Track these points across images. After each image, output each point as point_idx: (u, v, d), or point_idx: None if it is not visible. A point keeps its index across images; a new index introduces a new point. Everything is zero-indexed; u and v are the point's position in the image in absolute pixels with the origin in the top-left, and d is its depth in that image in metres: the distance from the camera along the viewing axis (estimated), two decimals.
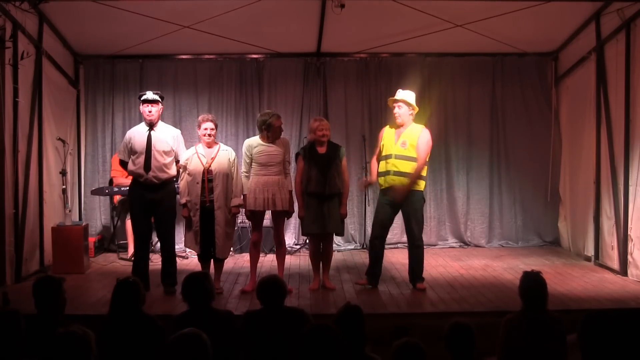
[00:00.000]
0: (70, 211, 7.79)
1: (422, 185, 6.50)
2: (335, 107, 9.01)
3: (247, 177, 6.45)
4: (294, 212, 6.59)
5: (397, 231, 8.37)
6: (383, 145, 6.53)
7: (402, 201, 6.38)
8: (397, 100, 6.48)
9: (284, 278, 6.56)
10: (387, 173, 6.42)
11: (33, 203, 7.18)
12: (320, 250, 6.59)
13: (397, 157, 6.38)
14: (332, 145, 6.53)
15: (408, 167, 6.36)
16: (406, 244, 7.13)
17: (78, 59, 8.69)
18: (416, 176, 6.37)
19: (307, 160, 6.44)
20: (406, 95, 6.49)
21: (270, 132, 6.39)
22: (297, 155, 6.68)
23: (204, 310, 4.03)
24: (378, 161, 6.59)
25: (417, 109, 6.51)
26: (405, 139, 6.41)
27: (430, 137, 6.52)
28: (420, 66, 9.00)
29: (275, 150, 6.41)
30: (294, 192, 6.53)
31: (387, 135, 6.54)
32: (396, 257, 7.92)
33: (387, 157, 6.44)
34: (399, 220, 7.13)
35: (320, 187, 6.36)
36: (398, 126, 6.50)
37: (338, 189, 6.45)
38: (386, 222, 6.60)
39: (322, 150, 6.47)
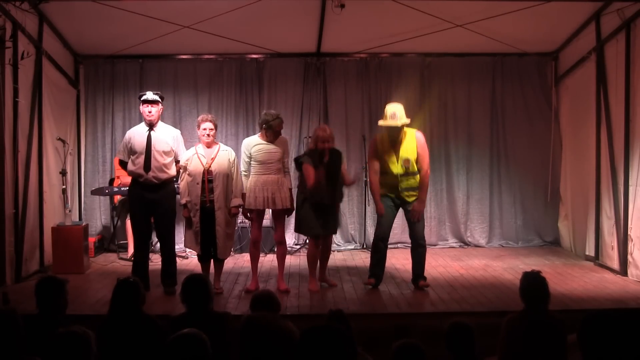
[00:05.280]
0: (70, 211, 7.79)
1: None
2: (335, 107, 9.00)
3: (247, 176, 6.45)
4: (294, 209, 6.59)
5: (397, 231, 8.35)
6: (382, 159, 6.39)
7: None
8: (398, 127, 6.27)
9: (284, 278, 6.61)
10: (397, 189, 6.40)
11: (33, 203, 7.18)
12: (319, 250, 6.60)
13: (403, 176, 6.38)
14: (333, 152, 6.45)
15: (415, 181, 6.42)
16: (406, 244, 7.14)
17: (78, 59, 8.69)
18: (427, 187, 6.48)
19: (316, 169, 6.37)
20: (400, 114, 6.25)
21: (270, 133, 6.40)
22: (299, 162, 6.51)
23: (202, 313, 4.02)
24: (378, 173, 6.43)
25: (408, 120, 6.38)
26: (407, 157, 6.34)
27: (424, 139, 6.48)
28: (420, 66, 9.00)
29: (274, 148, 6.42)
30: (293, 191, 6.59)
31: (384, 149, 6.38)
32: (396, 257, 7.91)
33: (392, 175, 6.37)
34: (399, 220, 7.13)
35: (328, 199, 6.35)
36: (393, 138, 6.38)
37: (342, 196, 6.63)
38: (392, 223, 6.63)
39: (325, 158, 6.40)
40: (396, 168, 6.36)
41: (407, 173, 6.38)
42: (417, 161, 6.37)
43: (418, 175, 6.41)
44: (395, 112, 6.20)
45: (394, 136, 6.29)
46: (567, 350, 3.80)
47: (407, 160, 6.34)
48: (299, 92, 8.95)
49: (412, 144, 6.35)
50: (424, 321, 5.35)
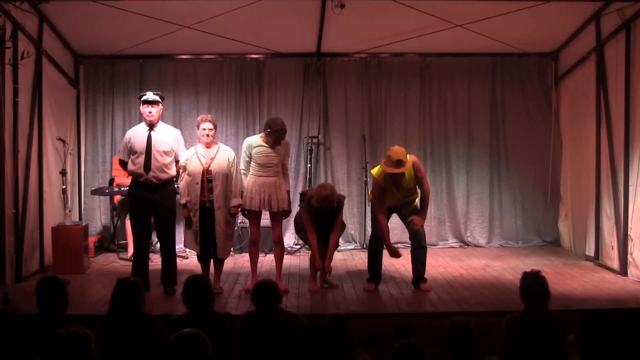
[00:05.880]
0: (70, 211, 7.79)
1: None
2: (335, 107, 9.00)
3: (245, 174, 6.47)
4: (291, 211, 6.63)
5: (397, 231, 8.36)
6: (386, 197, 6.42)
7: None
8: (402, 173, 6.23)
9: (282, 278, 6.61)
10: (394, 208, 6.55)
11: (33, 203, 7.18)
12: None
13: (401, 200, 6.46)
14: (331, 209, 6.32)
15: (414, 199, 6.53)
16: (406, 244, 7.14)
17: (78, 59, 8.69)
18: (428, 203, 6.56)
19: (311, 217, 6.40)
20: (404, 159, 6.18)
21: (271, 139, 6.40)
22: (300, 205, 6.60)
23: (203, 314, 4.03)
24: (386, 213, 6.48)
25: (410, 160, 6.27)
26: (408, 187, 6.38)
27: (419, 161, 6.43)
28: (420, 66, 9.01)
29: (274, 152, 6.42)
30: (291, 193, 6.62)
31: (387, 186, 6.34)
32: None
33: (391, 204, 6.46)
34: (399, 220, 7.13)
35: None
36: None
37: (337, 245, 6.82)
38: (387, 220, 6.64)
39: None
40: (396, 199, 6.42)
41: (407, 196, 6.47)
42: (417, 184, 6.41)
43: (416, 195, 6.49)
44: (400, 160, 6.13)
45: (398, 180, 6.28)
46: (568, 350, 3.81)
47: (407, 190, 6.40)
48: (299, 92, 8.95)
49: (410, 172, 6.31)
50: (424, 321, 5.35)
